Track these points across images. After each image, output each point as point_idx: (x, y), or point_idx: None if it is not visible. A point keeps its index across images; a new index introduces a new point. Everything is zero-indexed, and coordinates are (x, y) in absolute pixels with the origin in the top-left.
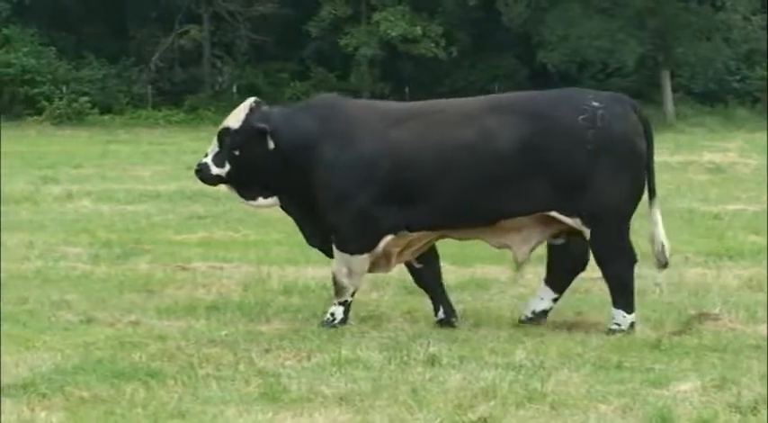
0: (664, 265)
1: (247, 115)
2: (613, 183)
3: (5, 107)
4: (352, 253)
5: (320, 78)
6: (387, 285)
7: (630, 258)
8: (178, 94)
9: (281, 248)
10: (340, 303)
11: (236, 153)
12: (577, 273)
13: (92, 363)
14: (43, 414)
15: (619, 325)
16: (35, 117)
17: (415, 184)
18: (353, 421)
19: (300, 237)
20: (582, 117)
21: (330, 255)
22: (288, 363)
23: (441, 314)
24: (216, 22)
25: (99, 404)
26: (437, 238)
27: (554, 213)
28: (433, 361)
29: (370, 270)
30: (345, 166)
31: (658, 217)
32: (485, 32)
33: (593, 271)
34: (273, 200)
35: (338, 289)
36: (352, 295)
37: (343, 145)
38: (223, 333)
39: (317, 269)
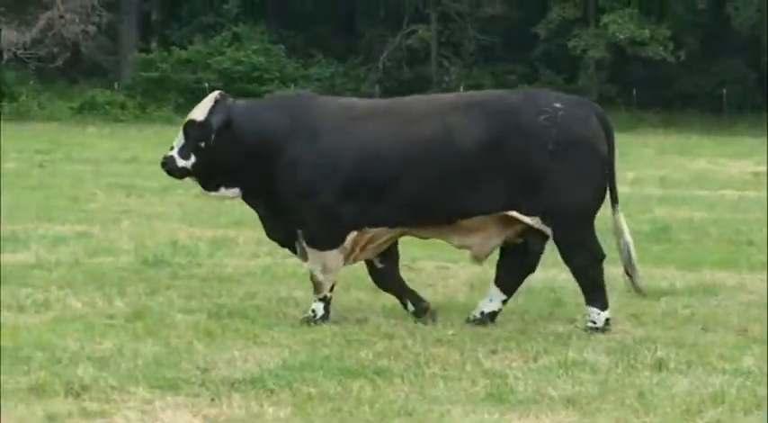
0: (634, 278)
1: (212, 108)
2: (573, 182)
3: None
4: (321, 249)
5: (548, 80)
6: (613, 289)
7: (594, 254)
8: (405, 94)
9: None
10: (320, 299)
11: (202, 145)
12: (527, 274)
13: (319, 359)
14: (271, 409)
15: (594, 323)
16: None
17: (377, 181)
18: None
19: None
20: (543, 117)
21: (289, 249)
22: (514, 364)
23: (410, 308)
24: (444, 22)
25: (326, 401)
26: (399, 236)
27: (513, 213)
28: (660, 365)
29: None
30: (308, 163)
31: (624, 225)
32: (713, 36)
33: None
34: (236, 191)
35: (316, 285)
36: (331, 290)
37: (307, 141)
38: (449, 333)
39: (544, 272)
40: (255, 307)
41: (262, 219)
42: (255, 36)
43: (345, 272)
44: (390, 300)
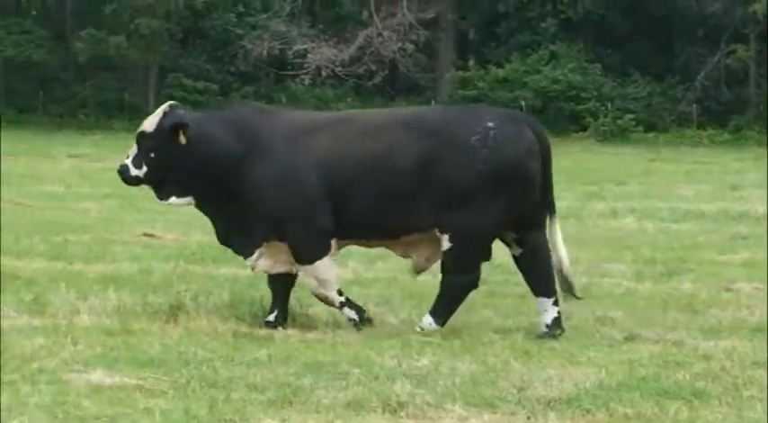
0: (570, 289)
1: (161, 119)
2: (491, 205)
3: (550, 122)
4: (310, 263)
5: None
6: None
7: (473, 282)
8: (723, 114)
9: None
10: (341, 307)
11: (152, 155)
12: (548, 268)
13: (636, 380)
14: None
15: (422, 329)
16: (580, 133)
17: (328, 194)
18: None
19: None
20: (475, 138)
21: (242, 256)
22: None
23: (271, 317)
24: (763, 42)
25: (642, 422)
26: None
27: (435, 231)
28: None
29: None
30: (276, 182)
31: (559, 238)
32: None
33: None
34: (187, 199)
35: (324, 302)
36: (341, 294)
37: (265, 158)
38: None
39: None
40: (572, 326)
41: (215, 225)
42: (572, 54)
43: (662, 291)
44: (707, 321)
